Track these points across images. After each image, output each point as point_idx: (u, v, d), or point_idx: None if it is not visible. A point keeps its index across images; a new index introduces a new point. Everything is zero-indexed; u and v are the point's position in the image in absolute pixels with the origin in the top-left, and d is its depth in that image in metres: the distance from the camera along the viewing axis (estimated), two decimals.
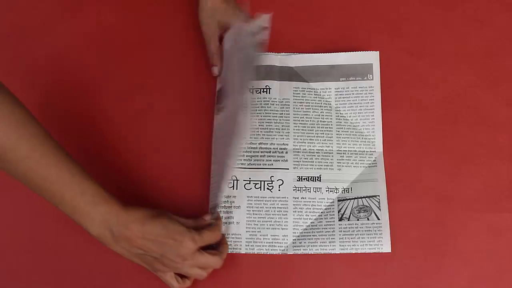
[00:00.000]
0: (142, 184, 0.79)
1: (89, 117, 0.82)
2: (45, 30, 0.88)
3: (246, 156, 0.80)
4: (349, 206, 0.77)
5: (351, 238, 0.75)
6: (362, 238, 0.75)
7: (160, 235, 0.65)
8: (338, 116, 0.82)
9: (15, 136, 0.59)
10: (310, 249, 0.75)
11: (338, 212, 0.77)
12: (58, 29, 0.88)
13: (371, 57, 0.84)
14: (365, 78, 0.84)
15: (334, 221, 0.76)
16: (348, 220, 0.76)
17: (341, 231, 0.75)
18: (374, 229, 0.75)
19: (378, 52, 0.85)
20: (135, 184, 0.79)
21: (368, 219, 0.76)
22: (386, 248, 0.75)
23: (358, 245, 0.75)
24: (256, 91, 0.83)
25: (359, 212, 0.76)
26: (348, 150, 0.80)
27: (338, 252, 0.75)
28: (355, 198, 0.77)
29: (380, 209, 0.76)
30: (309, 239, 0.75)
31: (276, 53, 0.85)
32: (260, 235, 0.76)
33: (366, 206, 0.76)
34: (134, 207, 0.66)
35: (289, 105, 0.82)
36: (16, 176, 0.62)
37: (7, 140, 0.58)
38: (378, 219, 0.76)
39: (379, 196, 0.77)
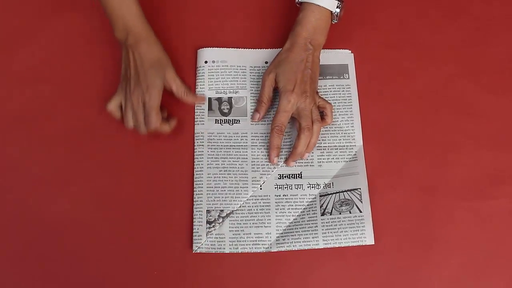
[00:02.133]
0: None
1: (71, 123, 0.83)
2: (24, 38, 0.89)
3: None
4: (331, 201, 0.77)
5: (334, 232, 0.75)
6: (345, 231, 0.75)
7: (152, 72, 0.77)
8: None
9: None
10: (294, 246, 0.75)
11: (320, 207, 0.77)
12: (37, 36, 0.88)
13: (346, 58, 0.85)
14: (342, 77, 0.85)
15: (316, 217, 0.76)
16: (331, 215, 0.76)
17: (323, 226, 0.75)
18: (357, 222, 0.75)
19: (352, 54, 0.86)
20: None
21: (350, 212, 0.76)
22: (369, 240, 0.74)
23: (341, 239, 0.74)
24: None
25: (341, 206, 0.76)
26: (328, 146, 0.81)
27: (322, 247, 0.74)
28: (336, 193, 0.77)
29: (362, 202, 0.76)
30: (293, 235, 0.76)
31: (251, 49, 0.87)
32: (244, 234, 0.76)
33: (348, 200, 0.76)
34: (156, 49, 0.79)
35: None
36: None
37: None
38: (360, 211, 0.76)
39: (360, 189, 0.77)
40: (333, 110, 0.81)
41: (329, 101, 0.81)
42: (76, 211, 0.77)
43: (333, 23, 0.82)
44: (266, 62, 0.84)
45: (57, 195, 0.78)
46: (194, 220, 0.77)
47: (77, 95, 0.84)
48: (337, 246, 0.74)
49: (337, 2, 0.79)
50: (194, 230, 0.76)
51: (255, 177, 0.78)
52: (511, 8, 0.89)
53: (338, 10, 0.80)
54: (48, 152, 0.80)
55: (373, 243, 0.74)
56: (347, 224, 0.75)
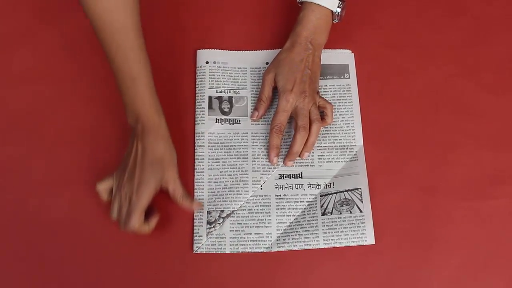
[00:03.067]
0: None
1: (71, 123, 0.83)
2: (24, 38, 0.88)
3: None
4: (331, 201, 0.77)
5: (334, 232, 0.75)
6: (345, 231, 0.75)
7: (153, 172, 0.72)
8: None
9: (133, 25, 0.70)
10: (294, 246, 0.75)
11: (321, 207, 0.77)
12: (37, 37, 0.88)
13: (347, 58, 0.85)
14: (342, 77, 0.85)
15: (317, 217, 0.76)
16: (331, 215, 0.76)
17: (324, 225, 0.75)
18: (357, 222, 0.75)
19: (353, 54, 0.86)
20: None
21: (350, 212, 0.76)
22: (370, 240, 0.74)
23: (341, 239, 0.75)
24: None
25: (342, 206, 0.76)
26: (329, 146, 0.81)
27: (322, 247, 0.75)
28: (337, 192, 0.77)
29: (362, 202, 0.76)
30: (293, 235, 0.76)
31: (251, 50, 0.87)
32: (244, 234, 0.76)
33: (348, 200, 0.76)
34: (165, 147, 0.74)
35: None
36: (108, 43, 0.70)
37: (128, 22, 0.70)
38: (361, 211, 0.76)
39: (361, 189, 0.77)
40: (333, 110, 0.81)
41: (329, 101, 0.81)
42: (76, 211, 0.77)
43: (334, 22, 0.82)
44: (267, 63, 0.84)
45: (57, 195, 0.78)
46: (194, 220, 0.77)
47: (77, 95, 0.84)
48: (337, 246, 0.74)
49: (338, 1, 0.79)
50: (194, 231, 0.76)
51: (256, 177, 0.78)
52: (511, 8, 0.89)
53: (339, 10, 0.80)
54: (48, 152, 0.80)
55: (374, 243, 0.74)
56: (348, 224, 0.75)
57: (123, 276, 0.75)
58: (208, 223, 0.76)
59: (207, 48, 0.87)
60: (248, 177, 0.78)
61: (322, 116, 0.80)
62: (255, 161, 0.79)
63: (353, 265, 0.75)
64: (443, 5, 0.89)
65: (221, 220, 0.76)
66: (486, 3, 0.89)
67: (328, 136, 0.81)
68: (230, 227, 0.76)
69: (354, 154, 0.80)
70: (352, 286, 0.74)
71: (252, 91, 0.84)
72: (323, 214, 0.76)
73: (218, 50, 0.86)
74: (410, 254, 0.75)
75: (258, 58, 0.86)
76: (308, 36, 0.79)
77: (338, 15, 0.80)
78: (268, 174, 0.79)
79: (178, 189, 0.74)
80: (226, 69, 0.85)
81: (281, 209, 0.77)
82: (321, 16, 0.79)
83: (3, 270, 0.75)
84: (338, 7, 0.80)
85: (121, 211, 0.72)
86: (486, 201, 0.77)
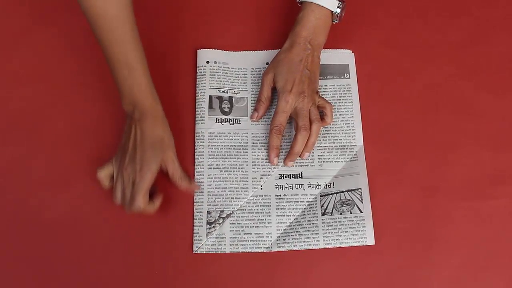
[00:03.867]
0: None
1: (71, 123, 0.83)
2: (24, 38, 0.88)
3: None
4: (331, 201, 0.77)
5: (334, 233, 0.75)
6: (345, 231, 0.75)
7: (150, 152, 0.73)
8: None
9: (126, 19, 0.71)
10: (294, 245, 0.75)
11: (321, 207, 0.77)
12: (37, 37, 0.88)
13: (347, 58, 0.85)
14: (342, 76, 0.85)
15: (317, 217, 0.76)
16: (331, 215, 0.76)
17: (324, 226, 0.75)
18: (357, 222, 0.75)
19: (353, 54, 0.86)
20: None
21: (350, 213, 0.76)
22: (370, 240, 0.74)
23: (342, 239, 0.75)
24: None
25: (342, 206, 0.76)
26: (329, 146, 0.81)
27: (323, 247, 0.75)
28: (337, 193, 0.77)
29: (362, 202, 0.76)
30: (293, 235, 0.76)
31: (251, 51, 0.87)
32: (244, 234, 0.76)
33: (349, 200, 0.76)
34: (162, 130, 0.75)
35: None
36: (104, 36, 0.71)
37: (121, 16, 0.70)
38: (361, 212, 0.76)
39: (361, 189, 0.77)
40: (333, 110, 0.81)
41: (329, 101, 0.81)
42: (76, 211, 0.77)
43: (334, 23, 0.82)
44: (267, 63, 0.84)
45: (57, 195, 0.78)
46: (194, 220, 0.77)
47: (77, 95, 0.84)
48: (337, 246, 0.74)
49: (337, 2, 0.79)
50: (194, 231, 0.76)
51: (256, 178, 0.78)
52: (511, 8, 0.89)
53: (338, 10, 0.80)
54: (48, 152, 0.80)
55: (374, 243, 0.74)
56: (348, 224, 0.75)
57: (123, 276, 0.75)
58: (208, 223, 0.76)
59: (207, 48, 0.86)
60: (248, 178, 0.78)
61: (322, 116, 0.80)
62: (255, 162, 0.79)
63: (353, 265, 0.75)
64: (443, 5, 0.89)
65: (221, 221, 0.76)
66: (486, 3, 0.89)
67: (328, 136, 0.81)
68: (230, 227, 0.76)
69: (354, 154, 0.80)
70: (352, 286, 0.74)
71: (253, 91, 0.84)
72: (323, 214, 0.76)
73: (218, 50, 0.86)
74: (410, 254, 0.75)
75: (258, 58, 0.86)
76: (307, 36, 0.79)
77: (337, 16, 0.80)
78: (268, 175, 0.79)
79: (177, 171, 0.75)
80: (226, 69, 0.85)
81: (281, 209, 0.77)
82: (320, 16, 0.79)
83: (3, 270, 0.75)
84: (338, 7, 0.79)
85: (125, 194, 0.73)
86: (486, 201, 0.77)
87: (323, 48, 0.83)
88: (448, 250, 0.75)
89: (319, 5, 0.79)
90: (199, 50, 0.87)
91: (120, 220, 0.77)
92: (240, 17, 0.90)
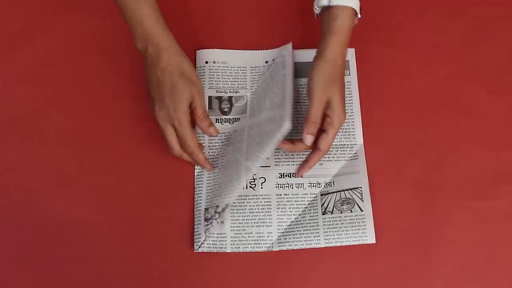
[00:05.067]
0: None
1: (71, 123, 0.83)
2: (24, 38, 0.88)
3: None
4: (332, 200, 0.77)
5: (335, 231, 0.75)
6: (346, 230, 0.75)
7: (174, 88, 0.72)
8: None
9: None
10: (295, 245, 0.75)
11: (322, 206, 0.77)
12: (37, 36, 0.88)
13: (347, 54, 0.85)
14: None
15: (317, 216, 0.76)
16: (332, 214, 0.76)
17: (325, 225, 0.75)
18: (358, 221, 0.75)
19: (353, 49, 0.86)
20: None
21: (351, 211, 0.76)
22: (371, 239, 0.74)
23: (342, 238, 0.75)
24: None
25: (342, 205, 0.76)
26: None
27: (323, 246, 0.75)
28: (337, 191, 0.77)
29: (363, 201, 0.76)
30: (294, 234, 0.76)
31: (251, 50, 0.87)
32: (245, 234, 0.76)
33: (349, 199, 0.77)
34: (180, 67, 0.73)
35: None
36: None
37: None
38: (362, 210, 0.76)
39: (361, 187, 0.77)
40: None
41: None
42: (76, 211, 0.77)
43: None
44: (267, 62, 0.84)
45: (57, 195, 0.78)
46: (195, 219, 0.77)
47: (77, 95, 0.84)
48: (338, 245, 0.74)
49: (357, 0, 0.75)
50: (195, 229, 0.76)
51: (247, 166, 0.75)
52: (511, 8, 0.89)
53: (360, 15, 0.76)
54: (48, 152, 0.80)
55: (374, 242, 0.74)
56: (348, 223, 0.75)
57: (123, 276, 0.75)
58: (205, 219, 0.76)
59: (206, 48, 0.86)
60: (241, 167, 0.76)
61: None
62: (248, 150, 0.77)
63: (354, 264, 0.75)
64: (443, 5, 0.89)
65: (217, 216, 0.76)
66: (486, 3, 0.89)
67: None
68: (231, 226, 0.76)
69: (354, 153, 0.80)
70: (352, 285, 0.74)
71: (252, 89, 0.84)
72: (323, 213, 0.76)
73: (217, 49, 0.86)
74: (410, 254, 0.75)
75: (257, 57, 0.86)
76: (347, 43, 0.75)
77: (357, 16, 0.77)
78: (260, 160, 0.73)
79: (199, 108, 0.74)
80: (225, 69, 0.85)
81: (281, 208, 0.77)
82: (352, 19, 0.75)
83: (3, 270, 0.75)
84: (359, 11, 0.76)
85: (169, 140, 0.73)
86: (486, 201, 0.77)
87: None
88: (448, 250, 0.75)
89: (352, 7, 0.74)
90: (198, 50, 0.86)
91: (120, 220, 0.77)
92: (240, 17, 0.90)
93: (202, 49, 0.87)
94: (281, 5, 0.90)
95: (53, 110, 0.83)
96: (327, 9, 0.75)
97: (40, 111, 0.83)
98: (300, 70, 0.84)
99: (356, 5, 0.75)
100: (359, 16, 0.76)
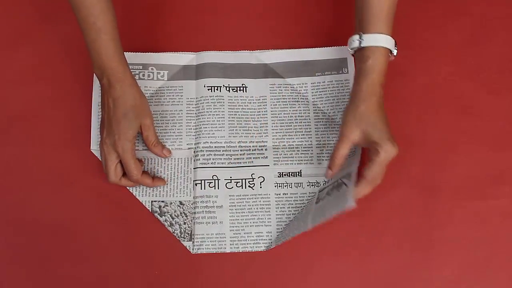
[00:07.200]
0: None
1: (71, 123, 0.83)
2: (24, 38, 0.88)
3: (226, 155, 0.80)
4: (325, 191, 0.76)
5: (321, 211, 0.72)
6: (330, 204, 0.71)
7: (128, 117, 0.73)
8: (316, 110, 0.83)
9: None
10: (287, 236, 0.73)
11: (317, 199, 0.76)
12: (37, 37, 0.88)
13: (345, 52, 0.85)
14: (340, 72, 0.84)
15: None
16: (323, 200, 0.74)
17: (315, 212, 0.73)
18: (342, 194, 0.70)
19: None
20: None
21: (338, 191, 0.72)
22: (350, 202, 0.66)
23: (325, 213, 0.70)
24: (233, 89, 0.84)
25: (332, 190, 0.74)
26: (328, 143, 0.81)
27: (310, 227, 0.71)
28: (333, 183, 0.76)
29: (350, 180, 0.71)
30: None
31: (250, 51, 0.86)
32: (244, 233, 0.76)
33: (340, 183, 0.73)
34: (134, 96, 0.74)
35: (266, 102, 0.83)
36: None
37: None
38: (346, 186, 0.71)
39: (352, 173, 0.72)
40: (332, 107, 0.80)
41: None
42: (76, 211, 0.77)
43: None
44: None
45: (57, 195, 0.78)
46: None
47: (77, 95, 0.84)
48: (324, 221, 0.70)
49: (392, 40, 0.74)
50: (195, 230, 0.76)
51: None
52: (511, 8, 0.88)
53: (395, 51, 0.75)
54: (48, 152, 0.80)
55: (354, 205, 0.66)
56: (333, 200, 0.72)
57: (123, 276, 0.75)
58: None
59: (206, 50, 0.86)
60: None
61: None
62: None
63: (353, 264, 0.75)
64: (443, 5, 0.89)
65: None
66: (486, 3, 0.89)
67: (327, 134, 0.81)
68: (230, 226, 0.76)
69: (353, 152, 0.79)
70: (352, 285, 0.74)
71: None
72: (316, 202, 0.75)
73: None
74: (410, 254, 0.75)
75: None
76: (382, 81, 0.73)
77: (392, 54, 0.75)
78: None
79: (151, 136, 0.76)
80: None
81: (280, 207, 0.77)
82: (386, 59, 0.74)
83: (3, 270, 0.75)
84: (395, 47, 0.75)
85: (107, 166, 0.74)
86: (486, 201, 0.77)
87: (321, 47, 0.84)
88: (448, 250, 0.75)
89: (385, 47, 0.73)
90: (197, 53, 0.86)
91: (120, 220, 0.77)
92: (240, 17, 0.90)
93: (201, 51, 0.86)
94: (281, 5, 0.90)
95: (53, 110, 0.83)
96: (359, 50, 0.74)
97: (40, 111, 0.83)
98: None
99: (389, 44, 0.73)
100: (395, 53, 0.74)
